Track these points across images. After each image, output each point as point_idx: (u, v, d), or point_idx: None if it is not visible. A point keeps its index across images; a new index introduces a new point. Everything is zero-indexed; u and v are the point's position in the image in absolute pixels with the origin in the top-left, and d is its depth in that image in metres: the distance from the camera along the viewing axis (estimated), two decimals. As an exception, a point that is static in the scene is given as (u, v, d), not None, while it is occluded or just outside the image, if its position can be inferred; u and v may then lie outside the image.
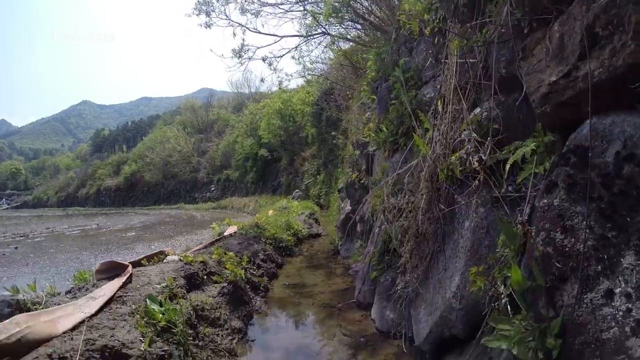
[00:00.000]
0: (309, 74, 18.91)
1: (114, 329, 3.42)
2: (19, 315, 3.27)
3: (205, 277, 5.35)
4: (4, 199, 75.06)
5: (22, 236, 17.88)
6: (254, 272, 6.33)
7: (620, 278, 1.60)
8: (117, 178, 49.46)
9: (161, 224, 22.55)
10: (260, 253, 7.57)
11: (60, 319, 3.41)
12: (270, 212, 12.97)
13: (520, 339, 1.87)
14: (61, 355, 2.82)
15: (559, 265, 1.81)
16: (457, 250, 3.12)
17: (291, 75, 25.40)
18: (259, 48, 14.26)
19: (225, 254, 6.18)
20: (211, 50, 15.15)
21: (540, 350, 1.81)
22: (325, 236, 11.83)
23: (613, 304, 1.59)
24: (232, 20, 13.14)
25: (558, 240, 1.87)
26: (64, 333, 3.17)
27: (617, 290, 1.59)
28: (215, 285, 5.34)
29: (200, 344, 3.89)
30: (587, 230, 1.75)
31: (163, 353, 3.31)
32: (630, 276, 1.56)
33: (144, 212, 34.26)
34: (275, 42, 13.61)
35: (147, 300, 3.91)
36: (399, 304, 4.05)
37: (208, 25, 13.19)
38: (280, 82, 29.46)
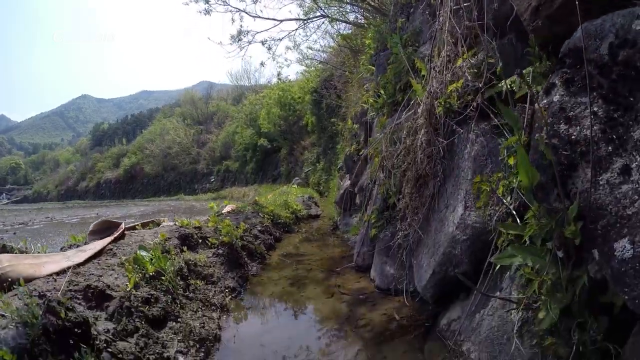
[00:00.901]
0: (308, 59, 18.77)
1: (101, 276, 3.30)
2: (3, 254, 3.16)
3: (200, 240, 5.24)
4: (4, 194, 74.86)
5: (21, 224, 17.77)
6: (251, 241, 6.19)
7: (634, 152, 1.49)
8: (116, 170, 49.30)
9: (160, 212, 22.42)
10: (258, 225, 7.45)
11: (46, 264, 3.30)
12: (270, 195, 12.84)
13: (535, 237, 1.74)
14: (42, 293, 2.70)
15: (567, 153, 1.70)
16: (459, 183, 2.99)
17: (290, 61, 25.13)
18: (258, 33, 14.20)
19: (221, 221, 6.06)
20: (209, 39, 15.07)
21: (558, 247, 1.68)
22: (324, 217, 11.69)
23: (632, 178, 1.48)
24: (231, 6, 13.04)
25: (563, 131, 1.78)
26: (48, 276, 3.07)
27: (634, 165, 1.48)
28: (211, 248, 5.23)
29: (190, 295, 3.77)
30: (592, 116, 1.64)
31: (149, 296, 3.19)
32: (644, 148, 1.45)
33: (143, 203, 34.15)
34: (275, 25, 13.46)
35: (138, 249, 3.80)
36: (400, 253, 3.92)
37: (207, 12, 13.07)
38: (279, 73, 29.21)
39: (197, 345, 3.03)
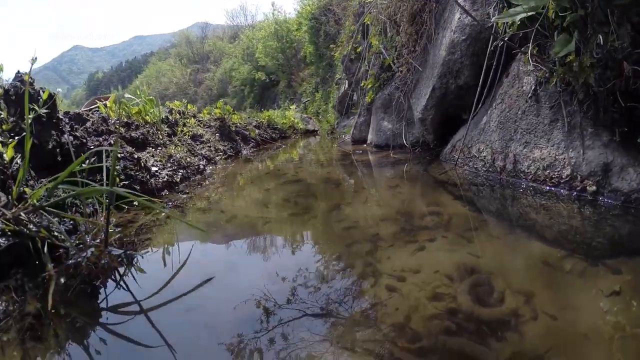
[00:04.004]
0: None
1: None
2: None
3: (192, 117, 5.07)
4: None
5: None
6: (245, 127, 6.03)
7: None
8: (114, 116, 48.73)
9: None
10: (254, 122, 7.26)
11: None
12: (268, 112, 12.53)
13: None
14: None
15: None
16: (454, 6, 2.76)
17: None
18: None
19: (214, 107, 5.88)
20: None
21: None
22: (322, 135, 11.55)
23: None
24: None
25: None
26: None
27: None
28: (205, 127, 5.08)
29: (177, 142, 3.64)
30: None
31: (129, 122, 3.07)
32: None
33: (143, 145, 34.00)
34: None
35: (124, 95, 3.65)
36: (398, 96, 3.74)
37: None
38: (273, 3, 27.87)
39: (175, 167, 2.93)
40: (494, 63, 2.50)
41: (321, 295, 1.17)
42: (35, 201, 1.41)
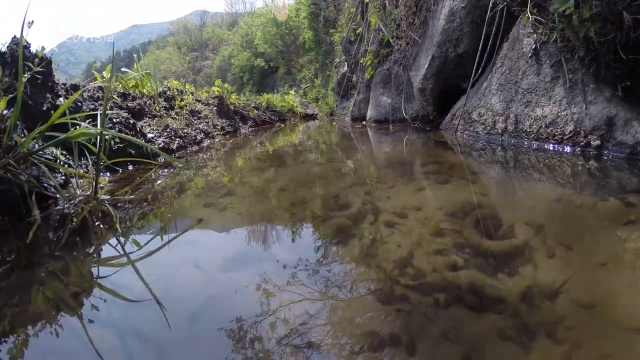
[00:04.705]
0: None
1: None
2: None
3: (190, 94, 5.02)
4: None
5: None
6: (244, 107, 5.98)
7: None
8: (113, 106, 48.36)
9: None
10: (252, 103, 7.21)
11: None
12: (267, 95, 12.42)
13: None
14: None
15: None
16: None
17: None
18: None
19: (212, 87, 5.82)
20: None
21: None
22: (320, 117, 11.49)
23: None
24: None
25: None
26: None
27: None
28: (204, 104, 5.04)
29: (174, 115, 3.60)
30: None
31: (126, 93, 3.03)
32: None
33: (142, 134, 33.84)
34: None
35: (121, 69, 3.59)
36: (398, 65, 3.70)
37: None
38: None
39: (172, 136, 2.91)
40: (494, 29, 2.46)
41: (317, 232, 1.15)
42: (26, 149, 1.38)
